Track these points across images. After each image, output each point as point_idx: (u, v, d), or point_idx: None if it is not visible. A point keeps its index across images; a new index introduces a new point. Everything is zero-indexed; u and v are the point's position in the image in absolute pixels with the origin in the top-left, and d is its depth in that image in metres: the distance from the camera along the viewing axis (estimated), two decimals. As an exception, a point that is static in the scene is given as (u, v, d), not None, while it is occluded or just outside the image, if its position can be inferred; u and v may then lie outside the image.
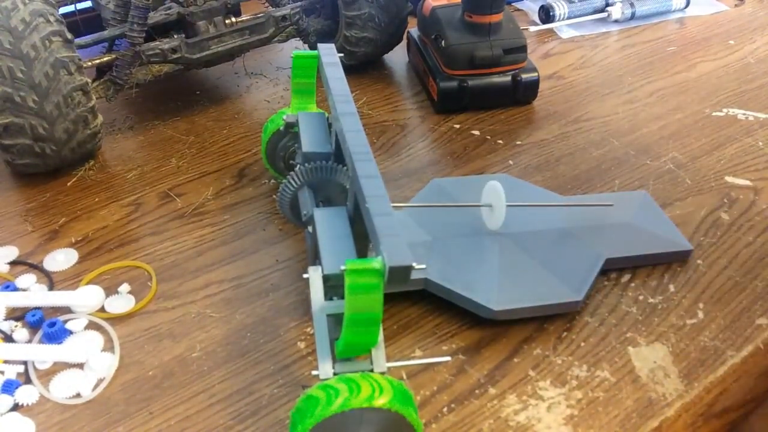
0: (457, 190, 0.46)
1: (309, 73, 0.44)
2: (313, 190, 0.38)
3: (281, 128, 0.44)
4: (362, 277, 0.27)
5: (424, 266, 0.28)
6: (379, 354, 0.31)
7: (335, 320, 0.31)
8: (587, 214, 0.44)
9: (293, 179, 0.38)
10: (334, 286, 0.32)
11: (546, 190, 0.47)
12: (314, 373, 0.30)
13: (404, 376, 0.36)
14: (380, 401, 0.28)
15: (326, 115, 0.42)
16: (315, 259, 0.36)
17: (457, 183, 0.47)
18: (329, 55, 0.42)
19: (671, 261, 0.42)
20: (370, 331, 0.29)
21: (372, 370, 0.30)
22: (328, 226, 0.35)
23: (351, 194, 0.35)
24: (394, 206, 0.32)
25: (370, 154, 0.33)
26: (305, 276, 0.32)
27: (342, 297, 0.32)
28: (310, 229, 0.36)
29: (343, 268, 0.27)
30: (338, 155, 0.38)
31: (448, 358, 0.36)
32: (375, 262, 0.27)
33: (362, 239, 0.34)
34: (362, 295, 0.27)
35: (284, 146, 0.47)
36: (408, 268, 0.27)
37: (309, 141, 0.40)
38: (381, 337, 0.30)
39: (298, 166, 0.38)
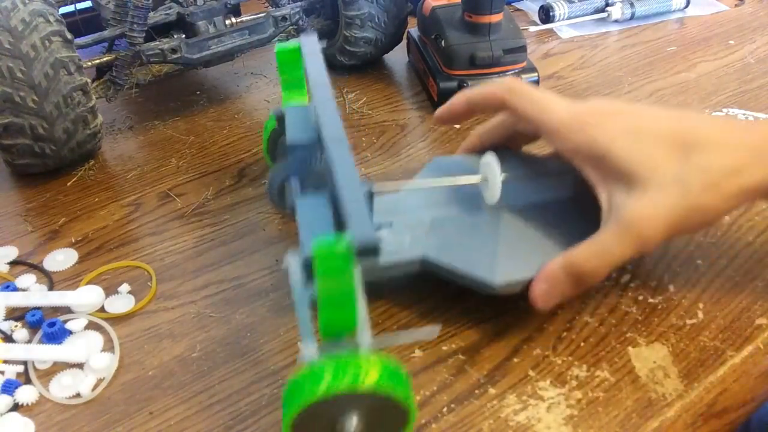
0: (459, 168, 0.44)
1: (295, 66, 0.44)
2: (301, 179, 0.38)
3: (276, 122, 0.44)
4: (330, 261, 0.27)
5: (395, 244, 0.28)
6: (363, 333, 0.30)
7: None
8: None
9: (279, 171, 0.38)
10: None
11: (550, 160, 0.45)
12: (298, 355, 0.30)
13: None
14: (367, 382, 0.28)
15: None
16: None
17: (459, 160, 0.45)
18: (309, 45, 0.42)
19: None
20: (346, 311, 0.28)
21: (358, 350, 0.30)
22: (309, 212, 0.35)
23: (329, 179, 0.35)
24: (391, 186, 0.31)
25: (345, 139, 0.33)
26: (284, 265, 0.32)
27: None
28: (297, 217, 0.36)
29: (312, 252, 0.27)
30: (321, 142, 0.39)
31: (437, 329, 0.36)
32: (341, 243, 0.27)
33: (341, 222, 0.34)
34: (332, 277, 0.27)
35: (283, 142, 0.47)
36: (375, 245, 0.27)
37: (292, 132, 0.40)
38: (364, 315, 0.30)
39: (285, 157, 0.39)
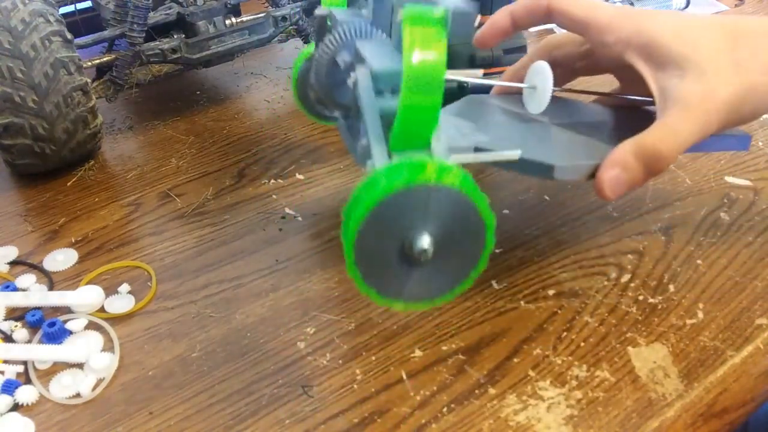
0: (494, 101, 0.42)
1: None
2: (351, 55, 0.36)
3: (317, 26, 0.41)
4: (423, 24, 0.24)
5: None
6: (439, 141, 0.27)
7: (384, 122, 0.28)
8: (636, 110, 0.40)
9: (331, 41, 0.35)
10: (381, 91, 0.29)
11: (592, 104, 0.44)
12: (368, 164, 0.27)
13: (404, 376, 0.36)
14: (449, 179, 0.25)
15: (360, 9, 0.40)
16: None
17: (493, 97, 0.44)
18: None
19: (729, 149, 0.42)
20: (431, 99, 0.25)
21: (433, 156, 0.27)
22: (373, 47, 0.32)
23: (395, 29, 0.32)
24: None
25: None
26: (350, 80, 0.29)
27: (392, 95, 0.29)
28: (349, 82, 0.32)
29: (400, 18, 0.24)
30: (377, 21, 0.36)
31: (518, 152, 0.33)
32: (435, 9, 0.24)
33: None
34: (424, 45, 0.24)
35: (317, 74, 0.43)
36: (470, 15, 0.25)
37: (342, 17, 0.37)
38: (441, 122, 0.27)
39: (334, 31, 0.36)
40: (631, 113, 0.39)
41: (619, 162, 0.34)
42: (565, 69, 0.42)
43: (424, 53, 0.24)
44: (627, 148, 0.34)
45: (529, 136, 0.37)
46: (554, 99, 0.40)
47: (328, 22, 0.40)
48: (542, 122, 0.39)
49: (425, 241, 0.26)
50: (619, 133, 0.38)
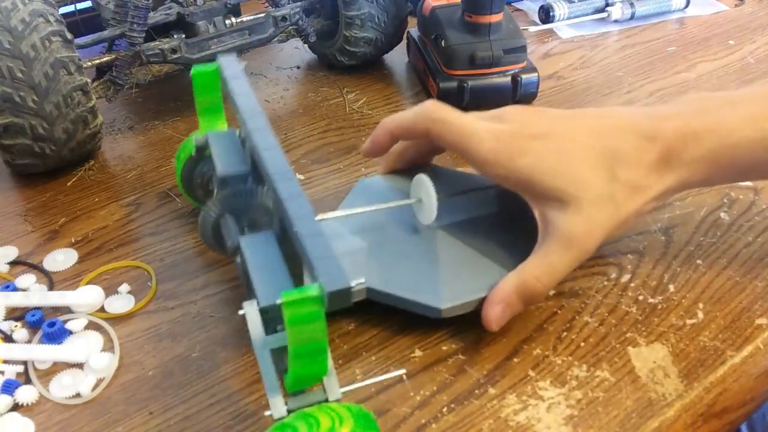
0: (387, 189, 0.44)
1: (213, 89, 0.41)
2: (235, 216, 0.37)
3: (193, 154, 0.42)
4: (301, 308, 0.26)
5: (362, 281, 0.27)
6: (331, 381, 0.30)
7: (279, 352, 0.30)
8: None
9: (212, 209, 0.36)
10: (273, 317, 0.31)
11: (476, 175, 0.45)
12: (266, 413, 0.29)
13: (404, 376, 0.36)
14: None
15: (237, 131, 0.40)
16: (248, 289, 0.34)
17: (386, 181, 0.45)
18: (231, 67, 0.39)
19: None
20: (317, 360, 0.28)
21: (327, 400, 0.30)
22: (258, 254, 0.33)
23: (276, 216, 0.33)
24: (318, 218, 0.30)
25: (291, 172, 0.32)
26: (240, 312, 0.31)
27: (283, 327, 0.31)
28: (238, 259, 0.34)
29: (279, 301, 0.26)
30: (256, 173, 0.36)
31: (403, 371, 0.36)
32: (312, 290, 0.26)
33: (294, 260, 0.32)
34: (304, 325, 0.26)
35: (200, 173, 0.44)
36: (348, 291, 0.26)
37: (223, 163, 0.37)
38: (331, 363, 0.29)
39: (216, 192, 0.37)
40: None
41: (503, 299, 0.36)
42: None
43: (305, 331, 0.26)
44: (510, 287, 0.36)
45: (417, 265, 0.39)
46: (436, 172, 0.42)
47: (207, 153, 0.41)
48: (431, 230, 0.40)
49: None
50: (505, 234, 0.41)
